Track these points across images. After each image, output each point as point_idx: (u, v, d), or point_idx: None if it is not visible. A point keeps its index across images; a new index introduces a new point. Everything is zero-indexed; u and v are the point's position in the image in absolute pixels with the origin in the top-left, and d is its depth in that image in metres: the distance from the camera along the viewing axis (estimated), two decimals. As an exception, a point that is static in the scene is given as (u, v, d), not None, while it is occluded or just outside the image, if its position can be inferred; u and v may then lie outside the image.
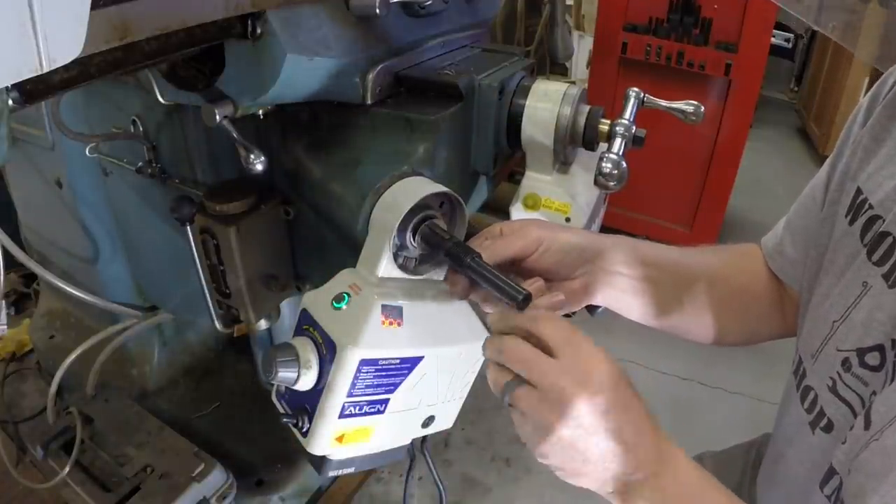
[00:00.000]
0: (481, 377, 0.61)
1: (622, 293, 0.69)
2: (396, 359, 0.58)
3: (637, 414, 0.52)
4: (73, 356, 1.17)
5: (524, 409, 0.52)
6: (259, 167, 0.68)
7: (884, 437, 0.51)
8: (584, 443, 0.50)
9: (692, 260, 0.77)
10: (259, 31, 0.59)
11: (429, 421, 0.66)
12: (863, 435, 0.53)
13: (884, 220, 0.57)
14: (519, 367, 0.53)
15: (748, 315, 0.78)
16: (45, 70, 0.36)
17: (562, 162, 0.81)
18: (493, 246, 0.63)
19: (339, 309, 0.58)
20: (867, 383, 0.56)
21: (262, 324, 0.90)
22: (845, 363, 0.58)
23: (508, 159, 0.84)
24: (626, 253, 0.69)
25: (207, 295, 0.88)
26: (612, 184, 0.71)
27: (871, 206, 0.59)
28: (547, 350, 0.52)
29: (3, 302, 0.87)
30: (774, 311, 0.78)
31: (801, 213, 0.74)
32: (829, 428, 0.60)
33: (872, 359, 0.56)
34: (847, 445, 0.56)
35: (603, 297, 0.68)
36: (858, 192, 0.61)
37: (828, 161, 0.71)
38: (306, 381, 0.57)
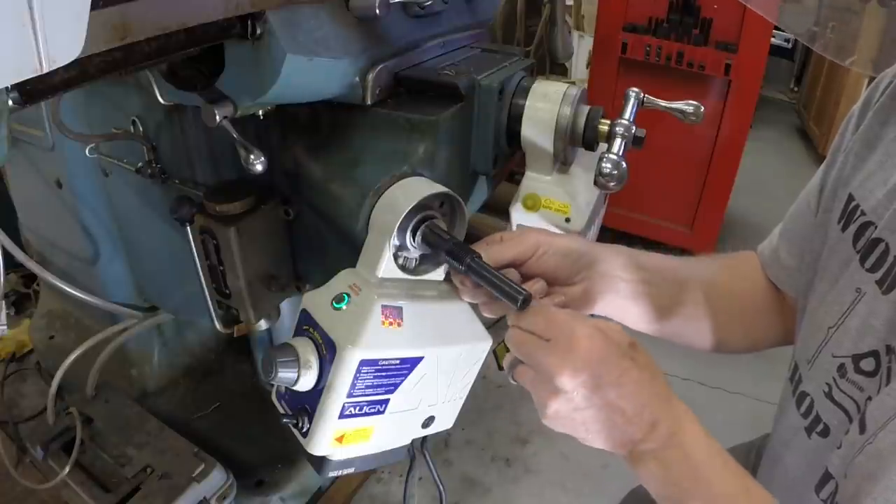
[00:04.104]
0: (481, 377, 0.61)
1: (622, 299, 0.69)
2: (396, 359, 0.58)
3: (635, 387, 0.53)
4: (73, 356, 1.17)
5: (525, 385, 0.56)
6: (259, 167, 0.68)
7: (877, 441, 0.51)
8: (581, 415, 0.53)
9: (691, 267, 0.77)
10: (259, 31, 0.59)
11: (429, 421, 0.66)
12: (858, 439, 0.53)
13: (876, 227, 0.57)
14: (515, 349, 0.56)
15: (748, 322, 0.78)
16: (45, 70, 0.36)
17: (562, 162, 0.81)
18: (491, 250, 0.63)
19: (339, 309, 0.58)
20: (862, 388, 0.56)
21: (262, 324, 0.90)
22: (841, 369, 0.58)
23: (508, 159, 0.84)
24: (624, 259, 0.69)
25: (207, 295, 0.88)
26: (611, 184, 0.71)
27: (863, 213, 0.59)
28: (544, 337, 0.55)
29: (3, 302, 0.87)
30: (774, 318, 0.78)
31: (795, 219, 0.74)
32: (825, 433, 0.60)
33: (867, 364, 0.56)
34: (843, 450, 0.56)
35: (603, 304, 0.68)
36: (850, 198, 0.62)
37: (821, 167, 0.71)
38: (306, 382, 0.57)
